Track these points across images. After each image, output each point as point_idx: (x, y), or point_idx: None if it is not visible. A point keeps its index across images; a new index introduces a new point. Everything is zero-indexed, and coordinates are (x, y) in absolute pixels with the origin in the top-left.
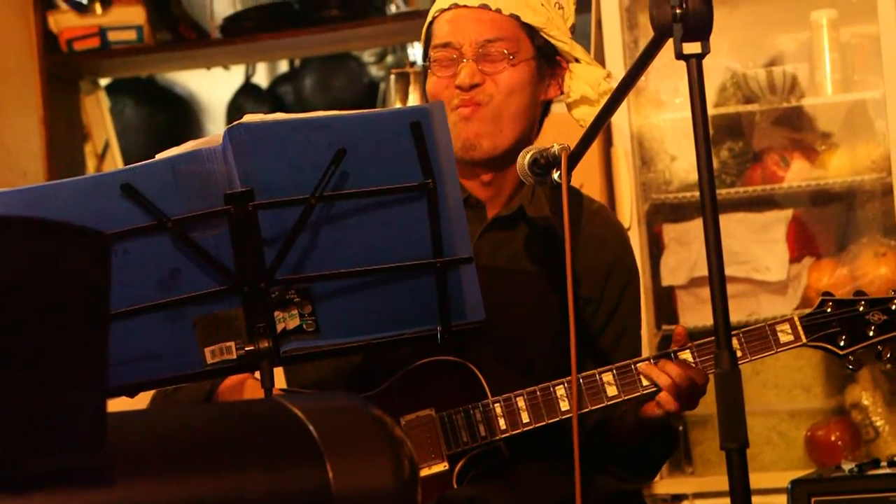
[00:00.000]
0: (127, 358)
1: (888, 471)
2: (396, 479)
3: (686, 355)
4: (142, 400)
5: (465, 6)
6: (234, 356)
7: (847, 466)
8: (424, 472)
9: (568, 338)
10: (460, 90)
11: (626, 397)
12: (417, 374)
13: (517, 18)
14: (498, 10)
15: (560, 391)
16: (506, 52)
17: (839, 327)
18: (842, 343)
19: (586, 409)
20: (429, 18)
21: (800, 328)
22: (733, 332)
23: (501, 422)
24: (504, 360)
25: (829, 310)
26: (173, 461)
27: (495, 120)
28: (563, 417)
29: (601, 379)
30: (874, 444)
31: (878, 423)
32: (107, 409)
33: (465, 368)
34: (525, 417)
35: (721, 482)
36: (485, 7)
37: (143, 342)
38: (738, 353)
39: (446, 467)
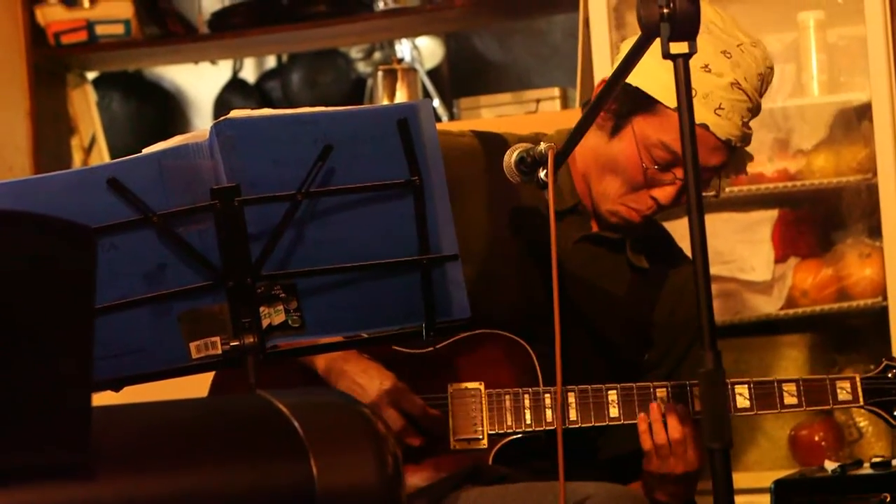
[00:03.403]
0: (112, 352)
1: (871, 472)
2: (380, 475)
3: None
4: (127, 394)
5: (712, 133)
6: (220, 351)
7: (830, 467)
8: (463, 446)
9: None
10: (652, 199)
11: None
12: (474, 341)
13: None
14: (728, 144)
15: (612, 396)
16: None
17: None
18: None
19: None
20: (660, 94)
21: (860, 390)
22: (793, 380)
23: (548, 413)
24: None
25: (890, 375)
26: (157, 456)
27: None
28: (611, 423)
29: (655, 393)
30: (857, 444)
31: (862, 424)
32: (92, 404)
33: (523, 350)
34: (573, 415)
35: (705, 482)
36: (727, 143)
37: (129, 337)
38: (794, 401)
39: (485, 446)
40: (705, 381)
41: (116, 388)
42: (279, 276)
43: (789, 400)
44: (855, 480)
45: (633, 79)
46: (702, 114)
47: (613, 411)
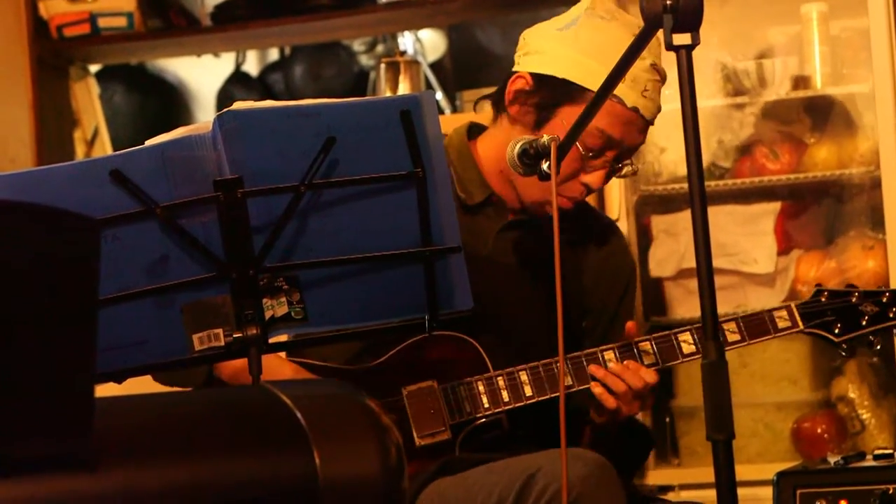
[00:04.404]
0: (115, 344)
1: (874, 464)
2: (383, 466)
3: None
4: (129, 386)
5: (641, 116)
6: (222, 343)
7: (833, 459)
8: (427, 441)
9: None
10: (582, 185)
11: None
12: (419, 347)
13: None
14: (650, 123)
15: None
16: (629, 161)
17: (834, 316)
18: (836, 331)
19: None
20: (587, 82)
21: (797, 315)
22: (732, 318)
23: (504, 394)
24: (503, 350)
25: (823, 299)
26: (160, 447)
27: None
28: (568, 392)
29: (604, 357)
30: (860, 437)
31: (864, 416)
32: (95, 395)
33: (467, 344)
34: (528, 391)
35: (707, 473)
36: (650, 123)
37: (131, 328)
38: (737, 337)
39: (449, 436)
40: (708, 373)
41: (119, 380)
42: (282, 268)
43: (732, 337)
44: (857, 472)
45: (555, 69)
46: (632, 98)
47: (567, 380)
